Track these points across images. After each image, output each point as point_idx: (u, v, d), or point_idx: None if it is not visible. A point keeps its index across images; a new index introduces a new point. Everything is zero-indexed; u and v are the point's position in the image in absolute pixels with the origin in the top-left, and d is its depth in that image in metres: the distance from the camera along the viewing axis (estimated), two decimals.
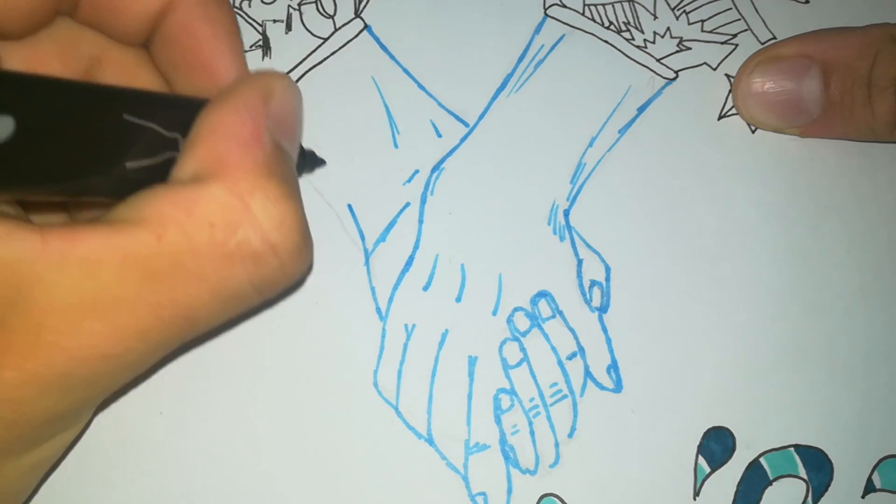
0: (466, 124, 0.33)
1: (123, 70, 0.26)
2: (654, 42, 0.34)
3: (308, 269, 0.25)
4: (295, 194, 0.23)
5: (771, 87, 0.32)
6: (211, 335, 0.30)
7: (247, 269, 0.22)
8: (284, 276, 0.24)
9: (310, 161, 0.30)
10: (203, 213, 0.21)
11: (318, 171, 0.32)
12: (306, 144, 0.29)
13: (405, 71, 0.33)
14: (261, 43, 0.33)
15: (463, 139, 0.33)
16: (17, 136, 0.19)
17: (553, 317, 0.32)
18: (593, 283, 0.32)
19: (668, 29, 0.34)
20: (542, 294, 0.32)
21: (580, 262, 0.32)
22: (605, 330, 0.32)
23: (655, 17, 0.34)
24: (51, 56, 0.26)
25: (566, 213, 0.33)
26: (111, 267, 0.21)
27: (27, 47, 0.25)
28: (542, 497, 0.31)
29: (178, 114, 0.24)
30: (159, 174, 0.23)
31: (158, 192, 0.22)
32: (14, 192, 0.22)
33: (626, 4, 0.34)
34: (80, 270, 0.21)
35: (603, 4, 0.34)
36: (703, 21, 0.34)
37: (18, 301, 0.21)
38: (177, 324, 0.22)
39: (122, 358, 0.22)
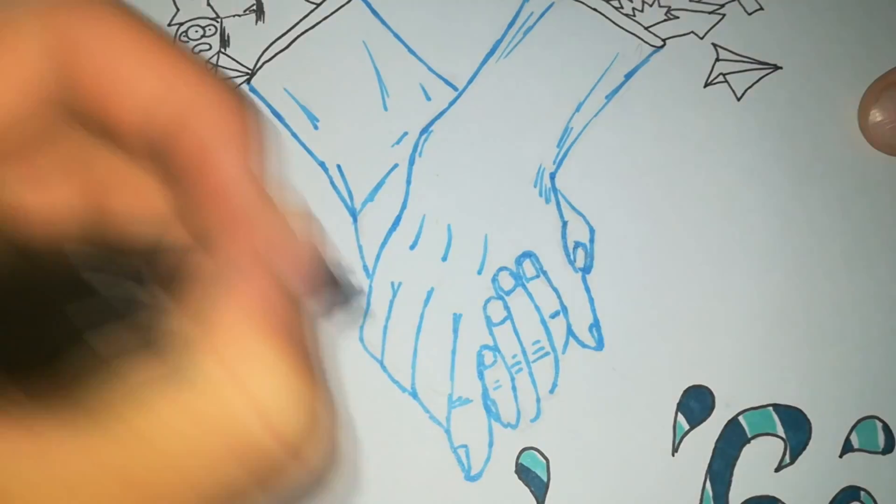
0: (455, 88, 0.34)
1: (126, 184, 0.24)
2: (642, 10, 0.35)
3: (331, 462, 0.23)
4: (311, 368, 0.20)
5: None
6: None
7: (249, 468, 0.19)
8: (299, 471, 0.20)
9: (343, 292, 0.22)
10: (203, 412, 0.19)
11: (309, 132, 0.32)
12: (299, 108, 0.30)
13: (396, 36, 0.34)
14: (254, 7, 0.34)
15: (452, 103, 0.34)
16: None
17: (537, 276, 0.33)
18: (577, 245, 0.33)
19: None
20: (527, 254, 0.33)
21: (565, 223, 0.33)
22: (588, 290, 0.32)
23: None
24: (53, 169, 0.22)
25: (552, 176, 0.33)
26: (99, 478, 0.18)
27: (27, 164, 0.22)
28: (522, 450, 0.31)
29: (154, 263, 0.20)
30: (136, 331, 0.19)
31: (158, 399, 0.19)
32: None
33: None
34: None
35: None
36: None
37: None
38: None
39: None
